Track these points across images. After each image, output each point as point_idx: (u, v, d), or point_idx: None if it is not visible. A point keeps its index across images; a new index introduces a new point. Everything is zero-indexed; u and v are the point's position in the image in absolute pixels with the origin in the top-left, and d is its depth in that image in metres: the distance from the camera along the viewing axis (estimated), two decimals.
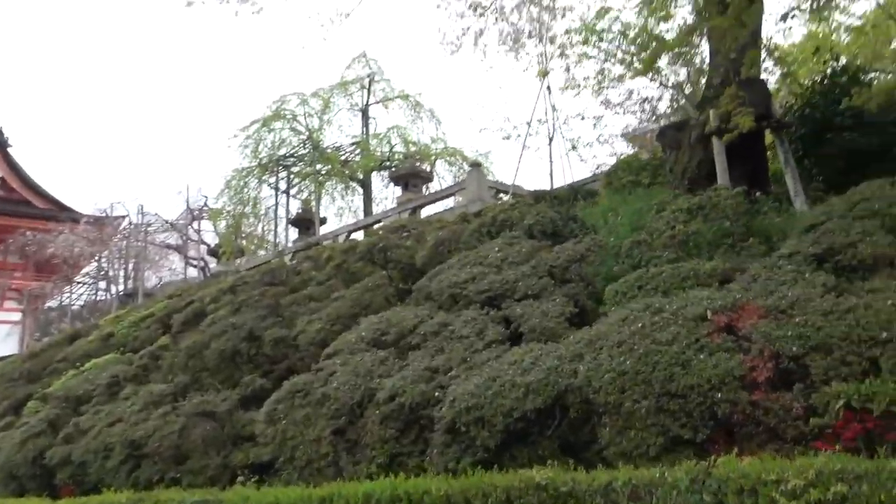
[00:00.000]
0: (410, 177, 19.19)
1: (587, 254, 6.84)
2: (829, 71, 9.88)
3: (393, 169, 20.22)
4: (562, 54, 14.84)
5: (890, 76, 9.77)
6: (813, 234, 5.25)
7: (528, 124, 14.32)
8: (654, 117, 13.91)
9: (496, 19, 19.59)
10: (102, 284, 31.57)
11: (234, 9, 13.60)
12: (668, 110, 13.17)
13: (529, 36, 18.66)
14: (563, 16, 18.34)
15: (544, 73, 14.00)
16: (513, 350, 5.55)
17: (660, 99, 13.39)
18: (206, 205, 28.37)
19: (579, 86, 13.62)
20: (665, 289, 5.45)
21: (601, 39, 11.93)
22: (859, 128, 9.05)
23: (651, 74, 11.79)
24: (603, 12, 12.29)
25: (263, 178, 22.12)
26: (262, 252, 24.23)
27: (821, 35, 12.38)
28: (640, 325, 4.66)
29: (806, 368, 3.85)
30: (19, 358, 18.58)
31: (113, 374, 10.28)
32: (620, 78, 12.48)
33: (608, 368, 4.45)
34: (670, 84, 11.85)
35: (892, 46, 12.47)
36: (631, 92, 13.36)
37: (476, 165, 15.22)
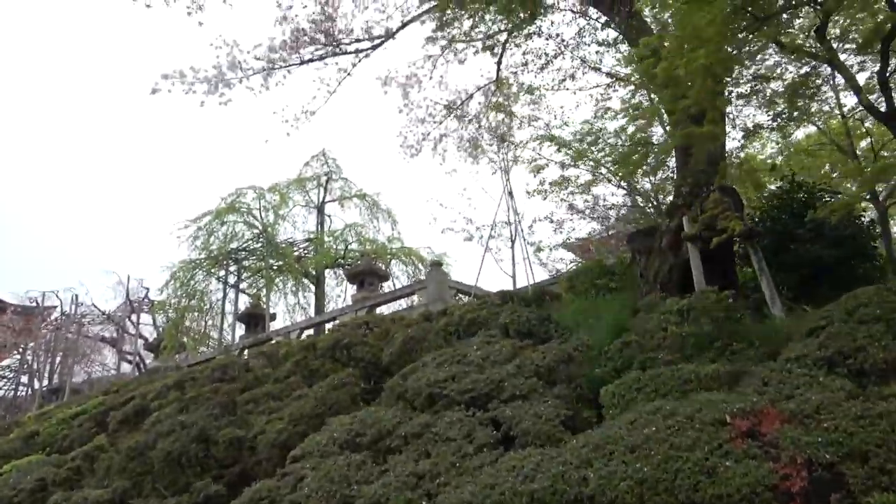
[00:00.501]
0: (367, 275, 18.91)
1: (575, 354, 6.62)
2: (787, 186, 10.34)
3: (349, 266, 19.96)
4: (526, 161, 15.27)
5: (840, 196, 10.25)
6: (817, 339, 5.20)
7: (492, 226, 14.39)
8: (616, 223, 14.20)
9: (456, 128, 20.38)
10: (24, 379, 29.41)
11: (201, 99, 13.61)
12: (631, 217, 13.47)
13: (490, 143, 19.38)
14: (525, 125, 19.15)
15: (507, 172, 14.26)
16: (508, 455, 5.17)
17: (624, 206, 13.73)
18: (146, 297, 27.30)
19: (545, 191, 13.92)
20: (665, 392, 5.24)
21: (566, 147, 12.26)
22: (820, 240, 9.37)
23: (618, 183, 12.12)
24: (563, 124, 12.72)
25: (212, 271, 21.42)
26: (203, 348, 23.16)
27: (778, 152, 13.10)
28: (653, 428, 4.39)
29: (842, 477, 3.64)
30: None
31: (39, 477, 9.23)
32: (587, 185, 12.80)
33: (623, 476, 4.13)
34: (634, 193, 12.15)
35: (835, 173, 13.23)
36: (596, 198, 13.72)
37: (436, 265, 15.10)
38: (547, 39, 12.78)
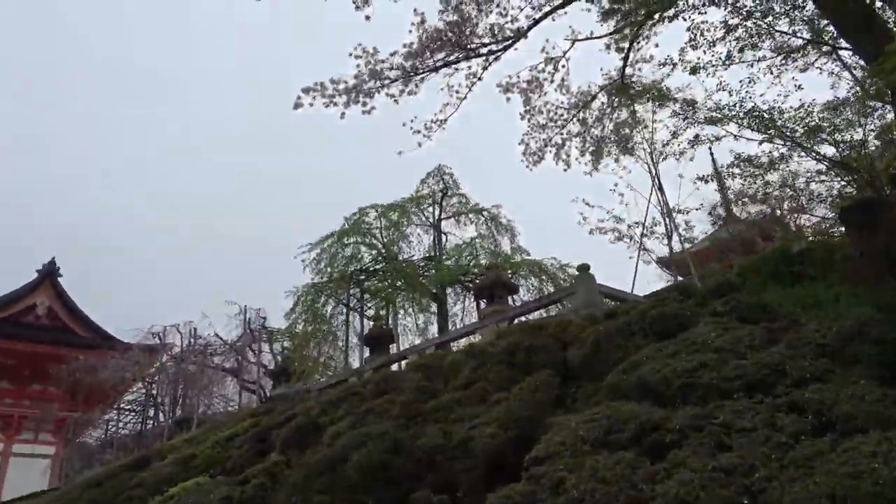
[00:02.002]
0: (496, 288, 18.18)
1: (866, 330, 5.62)
2: None
3: (475, 281, 19.32)
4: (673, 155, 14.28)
5: None
6: None
7: (643, 224, 13.45)
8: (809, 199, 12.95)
9: (580, 131, 19.58)
10: (150, 412, 30.14)
11: (342, 111, 13.42)
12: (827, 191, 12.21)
13: (621, 142, 18.46)
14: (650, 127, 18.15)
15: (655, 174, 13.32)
16: (851, 441, 4.26)
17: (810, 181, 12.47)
18: (264, 325, 27.52)
19: (705, 179, 12.88)
20: None
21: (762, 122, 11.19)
22: None
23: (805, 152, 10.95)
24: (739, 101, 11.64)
25: (335, 294, 21.25)
26: (329, 372, 22.99)
27: None
28: None
29: None
30: (76, 487, 17.05)
31: (224, 496, 8.87)
32: (776, 161, 11.67)
33: None
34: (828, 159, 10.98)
35: None
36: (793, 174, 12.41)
37: (584, 269, 14.22)
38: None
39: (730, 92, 11.70)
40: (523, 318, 16.10)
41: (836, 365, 5.38)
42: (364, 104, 13.04)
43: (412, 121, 15.66)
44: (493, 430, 7.08)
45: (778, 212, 19.50)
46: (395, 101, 13.42)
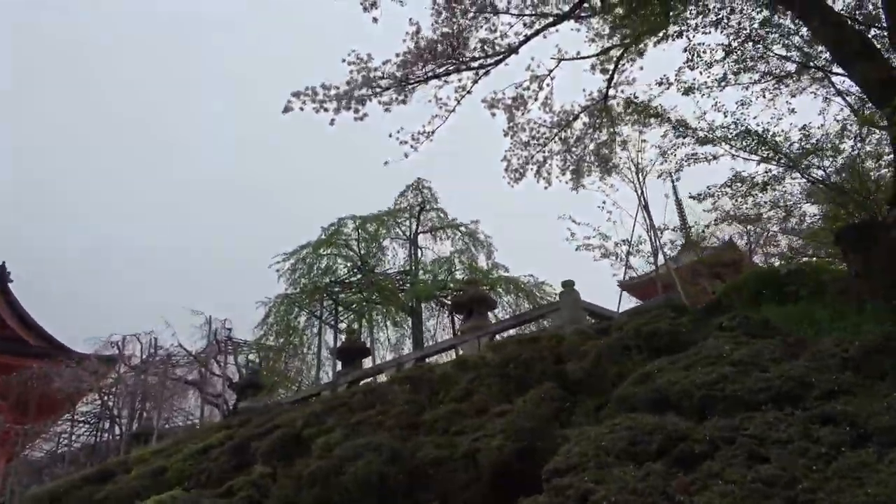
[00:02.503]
0: (475, 303, 18.05)
1: (890, 344, 5.63)
2: None
3: (454, 297, 19.14)
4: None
5: None
6: None
7: (629, 242, 13.51)
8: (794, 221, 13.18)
9: (560, 149, 19.71)
10: (104, 425, 28.92)
11: (331, 117, 13.19)
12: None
13: (603, 163, 18.63)
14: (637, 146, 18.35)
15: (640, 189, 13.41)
16: None
17: (792, 206, 12.70)
18: (229, 337, 26.80)
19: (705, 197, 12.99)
20: None
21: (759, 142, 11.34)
22: None
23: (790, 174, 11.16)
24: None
25: (308, 306, 20.81)
26: (295, 386, 22.49)
27: None
28: None
29: None
30: (27, 502, 16.20)
31: None
32: (769, 182, 11.84)
33: None
34: (813, 180, 11.20)
35: None
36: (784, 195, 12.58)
37: (569, 286, 14.19)
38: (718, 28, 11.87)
39: (724, 113, 11.89)
40: (503, 335, 16.00)
41: (861, 378, 5.38)
42: (356, 110, 12.84)
43: (398, 131, 15.53)
44: (500, 442, 6.90)
45: (748, 236, 19.94)
46: (386, 109, 13.28)
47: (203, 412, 26.15)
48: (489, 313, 18.66)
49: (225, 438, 12.92)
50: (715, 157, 12.33)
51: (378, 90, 13.25)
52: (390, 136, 15.60)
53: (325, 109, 12.95)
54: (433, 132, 15.26)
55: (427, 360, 17.07)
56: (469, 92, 15.38)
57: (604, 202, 14.71)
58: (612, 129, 18.41)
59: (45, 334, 47.15)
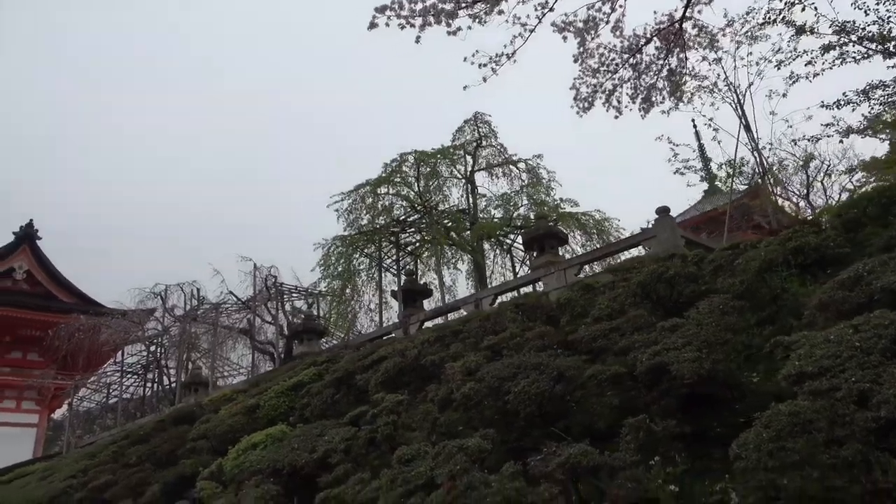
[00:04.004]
0: (546, 238, 17.38)
1: None
2: None
3: (525, 231, 18.45)
4: None
5: None
6: None
7: (730, 164, 12.71)
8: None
9: (630, 78, 18.75)
10: (154, 376, 28.78)
11: (417, 34, 12.32)
12: None
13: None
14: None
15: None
16: None
17: None
18: (278, 283, 26.35)
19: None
20: None
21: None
22: None
23: None
24: None
25: (367, 246, 20.18)
26: (353, 329, 22.04)
27: None
28: None
29: None
30: (105, 447, 15.93)
31: (346, 437, 7.97)
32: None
33: None
34: None
35: None
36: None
37: (664, 212, 13.48)
38: None
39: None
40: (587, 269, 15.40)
41: None
42: (448, 24, 11.94)
43: (474, 55, 14.64)
44: (693, 355, 6.28)
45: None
46: (479, 22, 12.35)
47: (254, 359, 25.88)
48: (560, 248, 18.03)
49: (316, 375, 12.51)
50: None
51: (467, 2, 12.32)
52: (465, 59, 14.74)
53: (412, 25, 12.07)
54: (514, 53, 14.37)
55: (500, 296, 16.53)
56: (552, 9, 14.40)
57: (696, 123, 13.73)
58: (683, 55, 17.47)
59: (77, 290, 47.16)
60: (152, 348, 28.58)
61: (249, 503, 7.25)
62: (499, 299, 15.96)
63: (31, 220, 46.75)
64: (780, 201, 14.90)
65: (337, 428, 8.58)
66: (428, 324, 17.14)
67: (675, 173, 14.24)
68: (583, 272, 14.80)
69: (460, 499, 5.70)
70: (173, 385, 28.51)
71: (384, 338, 17.19)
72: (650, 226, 14.32)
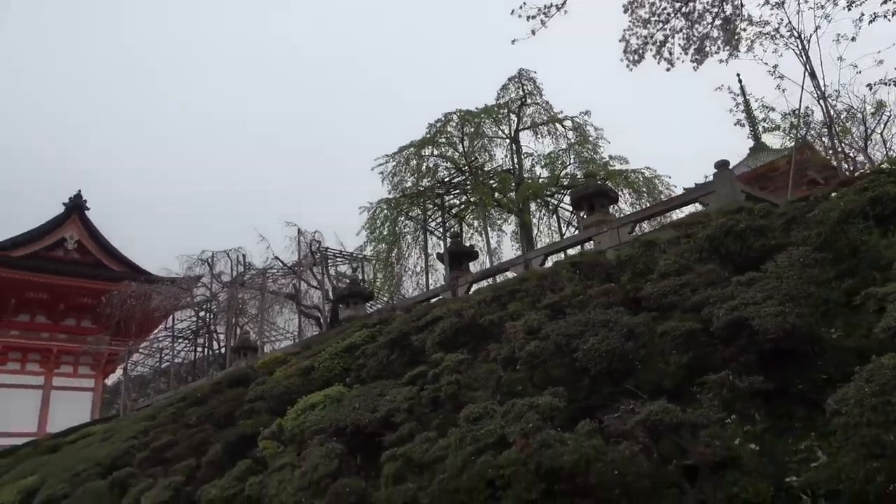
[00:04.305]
0: (596, 197, 16.97)
1: None
2: None
3: (574, 190, 18.05)
4: None
5: None
6: None
7: (794, 114, 12.09)
8: None
9: (682, 27, 17.99)
10: (204, 341, 29.35)
11: None
12: None
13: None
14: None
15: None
16: None
17: None
18: (320, 248, 26.45)
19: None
20: None
21: None
22: None
23: None
24: None
25: (411, 208, 20.01)
26: (398, 292, 22.02)
27: None
28: None
29: None
30: (163, 408, 16.30)
31: (408, 396, 7.90)
32: None
33: None
34: None
35: None
36: None
37: (723, 165, 12.97)
38: None
39: None
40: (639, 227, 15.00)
41: None
42: None
43: (521, 6, 14.22)
44: (776, 309, 5.98)
45: None
46: None
47: (300, 323, 26.17)
48: (609, 207, 17.61)
49: (368, 337, 12.49)
50: None
51: None
52: (512, 12, 14.32)
53: None
54: (564, 2, 13.88)
55: (552, 256, 16.27)
56: None
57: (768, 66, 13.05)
58: (739, 2, 16.67)
59: (126, 259, 48.32)
60: (201, 314, 29.08)
61: (315, 461, 7.25)
62: (549, 259, 15.73)
63: (80, 190, 47.78)
64: (837, 154, 14.21)
65: (397, 388, 8.52)
66: (475, 286, 17.01)
67: (735, 125, 13.59)
68: (636, 230, 14.42)
69: (534, 457, 5.55)
70: (222, 350, 29.08)
71: (432, 300, 17.12)
72: (709, 180, 13.82)
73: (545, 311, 8.51)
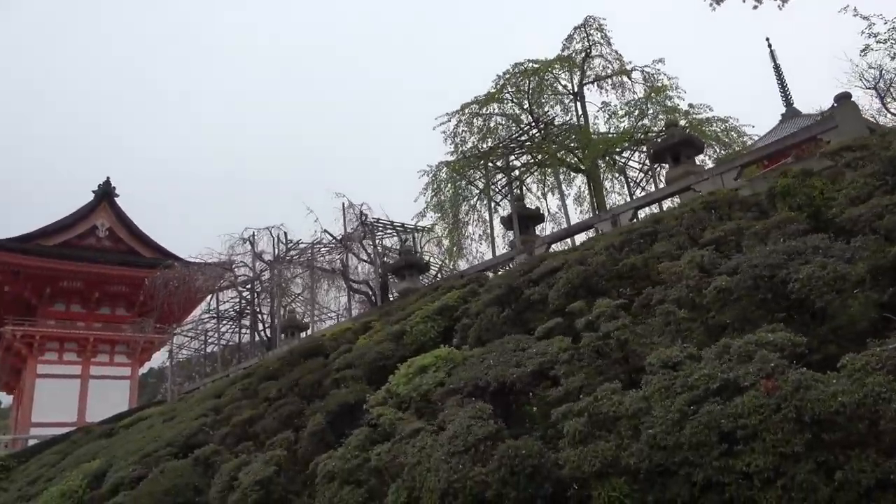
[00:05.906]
0: (681, 146, 15.71)
1: None
2: None
3: (655, 142, 16.74)
4: None
5: None
6: None
7: None
8: None
9: None
10: (250, 322, 28.40)
11: None
12: None
13: None
14: None
15: None
16: None
17: None
18: (370, 219, 25.31)
19: None
20: None
21: None
22: None
23: None
24: None
25: (470, 174, 18.81)
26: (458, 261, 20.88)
27: None
28: None
29: None
30: (231, 383, 15.39)
31: (563, 348, 6.78)
32: None
33: None
34: None
35: None
36: None
37: (846, 98, 11.64)
38: None
39: None
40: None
41: None
42: None
43: None
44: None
45: None
46: None
47: (350, 299, 25.14)
48: (696, 158, 16.31)
49: (460, 299, 11.47)
50: None
51: None
52: None
53: None
54: None
55: (640, 211, 15.05)
56: None
57: None
58: None
59: (157, 245, 47.65)
60: (245, 294, 28.17)
61: (465, 422, 6.15)
62: (639, 214, 14.54)
63: (108, 178, 47.16)
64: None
65: (535, 343, 7.41)
66: (554, 246, 15.88)
67: (860, 54, 12.17)
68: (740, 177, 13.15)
69: (790, 400, 4.40)
70: (267, 330, 28.20)
71: (507, 265, 15.98)
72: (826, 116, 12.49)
73: (707, 247, 7.33)
